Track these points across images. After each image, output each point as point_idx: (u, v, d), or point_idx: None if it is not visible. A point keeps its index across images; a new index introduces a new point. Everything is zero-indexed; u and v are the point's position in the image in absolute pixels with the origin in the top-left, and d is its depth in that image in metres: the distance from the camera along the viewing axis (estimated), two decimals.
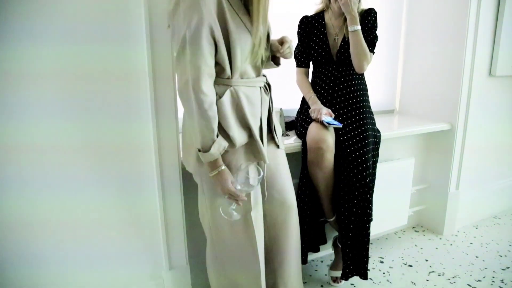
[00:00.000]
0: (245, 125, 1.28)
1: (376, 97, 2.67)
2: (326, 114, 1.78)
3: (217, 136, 1.21)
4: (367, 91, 2.00)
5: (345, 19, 1.85)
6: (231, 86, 1.24)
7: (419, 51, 2.61)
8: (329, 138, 1.72)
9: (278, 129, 1.50)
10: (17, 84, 1.24)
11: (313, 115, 1.79)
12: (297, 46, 1.99)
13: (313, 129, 1.75)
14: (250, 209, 1.33)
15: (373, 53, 1.92)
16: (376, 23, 1.90)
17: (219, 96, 1.21)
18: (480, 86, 2.47)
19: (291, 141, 1.89)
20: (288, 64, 2.14)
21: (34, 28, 1.23)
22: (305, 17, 1.98)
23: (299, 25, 1.98)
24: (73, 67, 1.31)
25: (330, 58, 1.92)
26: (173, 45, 1.22)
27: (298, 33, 1.98)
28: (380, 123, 2.31)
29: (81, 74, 1.33)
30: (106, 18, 1.32)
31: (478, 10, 2.30)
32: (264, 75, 1.38)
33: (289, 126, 2.10)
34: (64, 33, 1.28)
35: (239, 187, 1.26)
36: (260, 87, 1.34)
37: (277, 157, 1.47)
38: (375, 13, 1.90)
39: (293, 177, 1.83)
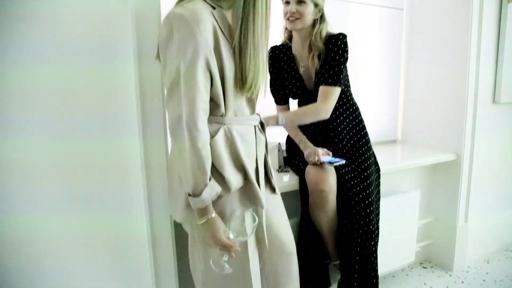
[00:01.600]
0: (240, 167, 1.17)
1: (377, 127, 2.58)
2: (324, 155, 1.66)
3: (210, 179, 1.08)
4: (362, 121, 1.86)
5: (310, 48, 1.70)
6: (224, 124, 1.13)
7: (421, 79, 2.54)
8: (331, 179, 1.61)
9: (273, 172, 1.38)
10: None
11: (310, 159, 1.65)
12: (270, 81, 1.82)
13: (312, 170, 1.64)
14: (248, 260, 1.20)
15: (339, 86, 1.67)
16: (343, 52, 1.66)
17: (211, 135, 1.10)
18: (484, 114, 2.38)
19: (291, 179, 1.77)
20: None
21: (16, 44, 1.16)
22: (273, 48, 1.82)
23: (268, 58, 1.83)
24: (57, 83, 1.23)
25: (308, 92, 1.78)
26: (163, 79, 1.11)
27: (269, 65, 1.78)
28: (383, 154, 2.22)
29: (66, 90, 1.25)
30: (92, 34, 1.25)
31: (479, 36, 2.24)
32: (258, 114, 1.28)
33: (287, 161, 1.98)
34: (48, 49, 1.21)
35: (232, 236, 1.13)
36: (255, 126, 1.24)
37: (274, 202, 1.35)
38: (343, 39, 1.66)
39: (293, 215, 1.71)
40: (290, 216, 1.48)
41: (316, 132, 1.79)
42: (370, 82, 2.53)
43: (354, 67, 2.37)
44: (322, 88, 1.67)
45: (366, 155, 1.76)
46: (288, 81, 1.78)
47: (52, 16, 1.20)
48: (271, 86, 1.81)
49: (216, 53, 1.05)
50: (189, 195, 1.08)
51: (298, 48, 1.76)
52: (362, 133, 1.82)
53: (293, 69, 1.77)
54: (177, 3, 1.10)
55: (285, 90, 1.81)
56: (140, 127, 1.36)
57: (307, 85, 1.77)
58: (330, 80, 1.65)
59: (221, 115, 1.13)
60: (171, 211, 1.27)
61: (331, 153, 1.69)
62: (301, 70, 1.76)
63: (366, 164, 1.72)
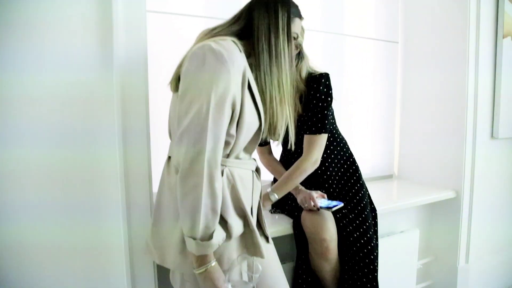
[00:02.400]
0: (241, 213, 1.09)
1: (373, 162, 2.50)
2: (318, 198, 1.54)
3: None
4: (351, 155, 1.74)
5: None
6: (226, 166, 1.07)
7: (417, 113, 2.48)
8: (331, 226, 1.50)
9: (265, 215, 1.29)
10: None
11: (306, 205, 1.53)
12: None
13: (309, 218, 1.52)
14: None
15: (324, 132, 1.55)
16: (327, 96, 1.54)
17: None
18: (483, 149, 2.31)
19: (284, 222, 1.66)
20: None
21: None
22: None
23: None
24: (38, 92, 1.21)
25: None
26: (179, 108, 1.01)
27: None
28: (379, 191, 2.14)
29: (45, 99, 1.22)
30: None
31: (477, 69, 2.19)
32: (253, 159, 1.21)
33: (278, 204, 1.83)
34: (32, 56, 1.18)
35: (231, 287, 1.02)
36: (252, 171, 1.17)
37: (268, 252, 1.24)
38: (325, 81, 1.53)
39: (287, 259, 1.59)
40: (284, 260, 1.37)
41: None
42: (365, 116, 2.47)
43: (349, 101, 2.33)
44: (307, 138, 1.56)
45: (360, 194, 1.66)
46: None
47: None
48: None
49: (242, 95, 1.02)
50: (194, 239, 0.97)
51: None
52: (353, 168, 1.72)
53: None
54: (206, 37, 1.09)
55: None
56: (119, 137, 1.31)
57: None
58: (314, 129, 1.55)
59: (225, 156, 1.07)
60: (157, 257, 1.13)
61: (325, 195, 1.59)
62: None
63: (362, 205, 1.62)
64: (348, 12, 2.30)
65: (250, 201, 1.13)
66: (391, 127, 2.58)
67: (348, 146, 1.76)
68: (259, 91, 1.09)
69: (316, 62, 1.64)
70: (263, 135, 1.14)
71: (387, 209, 1.90)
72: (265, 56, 1.08)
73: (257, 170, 1.22)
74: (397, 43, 2.51)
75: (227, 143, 1.04)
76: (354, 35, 2.33)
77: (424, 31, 2.40)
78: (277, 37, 1.09)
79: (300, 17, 1.23)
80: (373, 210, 1.70)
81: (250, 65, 1.10)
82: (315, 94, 1.53)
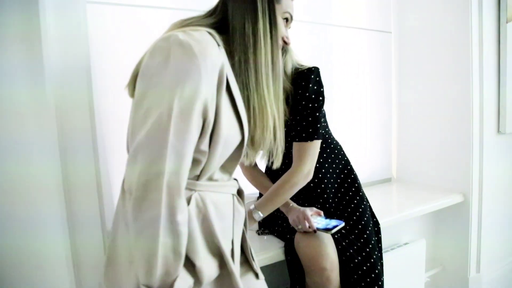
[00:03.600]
0: (215, 250, 0.87)
1: (369, 165, 2.27)
2: (314, 216, 1.30)
3: None
4: (348, 162, 1.49)
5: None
6: (195, 190, 0.85)
7: (416, 109, 2.26)
8: (331, 251, 1.25)
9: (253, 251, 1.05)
10: None
11: (299, 227, 1.27)
12: None
13: (304, 243, 1.25)
14: None
15: (317, 138, 1.30)
16: (318, 96, 1.29)
17: None
18: (491, 146, 2.09)
19: (273, 246, 1.40)
20: None
21: None
22: None
23: None
24: None
25: None
26: (135, 116, 0.80)
27: None
28: (378, 200, 1.93)
29: None
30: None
31: (481, 59, 1.98)
32: (235, 179, 0.99)
33: (265, 223, 1.54)
34: None
35: None
36: (233, 195, 0.96)
37: None
38: (316, 77, 1.28)
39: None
40: None
41: None
42: (358, 115, 2.23)
43: (339, 98, 2.09)
44: (296, 146, 1.31)
45: (361, 209, 1.42)
46: None
47: None
48: None
49: (218, 99, 0.82)
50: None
51: None
52: (351, 177, 1.48)
53: None
54: (176, 27, 0.89)
55: None
56: (56, 148, 1.18)
57: None
58: (304, 135, 1.29)
59: (194, 178, 0.85)
60: None
61: (322, 212, 1.34)
62: None
63: (363, 222, 1.38)
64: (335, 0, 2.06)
65: (230, 233, 0.92)
66: (387, 125, 2.35)
67: (343, 152, 1.51)
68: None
69: (301, 56, 1.39)
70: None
71: (388, 222, 1.67)
72: (240, 47, 0.88)
73: (240, 193, 1.01)
74: (390, 33, 2.29)
75: (196, 162, 0.83)
76: (343, 25, 2.09)
77: (420, 19, 2.18)
78: (255, 22, 0.89)
79: None
80: (376, 224, 1.46)
81: (233, 65, 0.90)
82: (304, 94, 1.28)
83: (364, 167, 2.21)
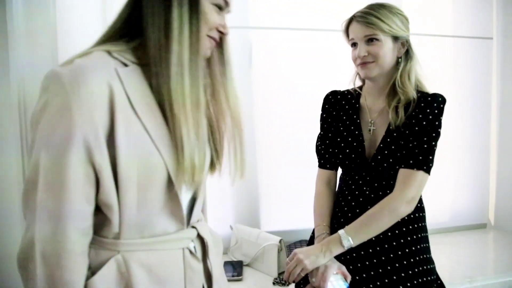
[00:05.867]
0: None
1: (456, 204, 1.93)
2: (334, 275, 1.08)
3: None
4: (424, 221, 1.24)
5: (391, 96, 1.19)
6: (118, 252, 0.73)
7: None
8: None
9: None
10: None
11: (313, 280, 1.08)
12: (319, 135, 1.34)
13: None
14: None
15: (427, 172, 1.14)
16: (437, 121, 1.15)
17: (91, 271, 0.72)
18: None
19: None
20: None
21: None
22: (333, 93, 1.32)
23: (323, 104, 1.33)
24: None
25: (362, 161, 1.21)
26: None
27: (321, 116, 1.33)
28: (465, 252, 1.61)
29: None
30: None
31: None
32: (193, 226, 0.83)
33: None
34: None
35: None
36: (184, 249, 0.80)
37: None
38: (439, 103, 1.15)
39: None
40: None
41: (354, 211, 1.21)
42: (448, 139, 1.86)
43: None
44: (403, 173, 1.15)
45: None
46: (343, 139, 1.26)
47: None
48: (318, 140, 1.33)
49: (110, 137, 0.69)
50: None
51: (370, 97, 1.26)
52: (419, 245, 1.18)
53: (355, 124, 1.25)
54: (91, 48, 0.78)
55: (335, 151, 1.28)
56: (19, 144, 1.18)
57: (366, 151, 1.22)
58: (412, 161, 1.13)
59: (114, 237, 0.74)
60: None
61: (349, 278, 1.09)
62: (367, 129, 1.24)
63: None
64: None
65: None
66: (484, 153, 1.99)
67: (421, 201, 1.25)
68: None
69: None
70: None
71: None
72: (152, 49, 0.73)
73: (203, 242, 0.86)
74: (491, 39, 1.92)
75: (105, 218, 0.73)
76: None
77: None
78: (168, 12, 0.71)
79: None
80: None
81: (156, 74, 0.75)
82: (426, 117, 1.15)
83: (449, 206, 1.92)
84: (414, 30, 1.71)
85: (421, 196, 1.21)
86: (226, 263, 1.45)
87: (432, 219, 1.82)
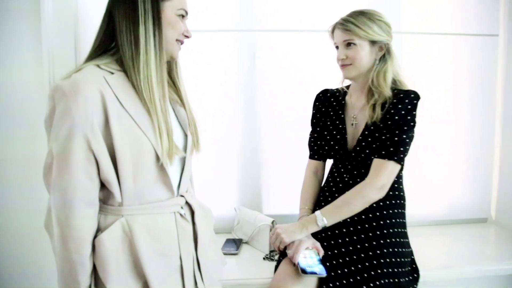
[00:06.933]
0: (140, 276, 0.94)
1: (457, 197, 1.90)
2: (308, 249, 1.20)
3: None
4: (403, 208, 1.33)
5: (370, 94, 1.29)
6: (122, 215, 0.93)
7: None
8: None
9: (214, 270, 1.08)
10: None
11: (289, 251, 1.21)
12: (312, 128, 1.49)
13: (280, 272, 1.22)
14: None
15: (398, 163, 1.24)
16: (409, 116, 1.24)
17: (101, 231, 0.92)
18: None
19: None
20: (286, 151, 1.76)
21: None
22: (324, 92, 1.48)
23: (314, 102, 1.50)
24: None
25: (344, 151, 1.35)
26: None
27: (312, 113, 1.49)
28: (465, 245, 1.58)
29: None
30: None
31: None
32: (182, 195, 1.01)
33: None
34: None
35: None
36: (175, 213, 0.99)
37: None
38: (412, 99, 1.24)
39: None
40: None
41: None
42: (450, 130, 1.89)
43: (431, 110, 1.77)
44: (376, 162, 1.25)
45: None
46: (329, 132, 1.40)
47: None
48: (310, 134, 1.48)
49: (106, 128, 0.89)
50: None
51: (355, 95, 1.39)
52: (395, 228, 1.29)
53: (340, 118, 1.39)
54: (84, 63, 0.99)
55: (323, 143, 1.42)
56: None
57: (348, 143, 1.35)
58: (384, 152, 1.23)
59: (118, 205, 0.94)
60: None
61: (321, 252, 1.22)
62: (351, 123, 1.36)
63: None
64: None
65: (175, 251, 0.98)
66: (488, 147, 1.94)
67: (401, 188, 1.36)
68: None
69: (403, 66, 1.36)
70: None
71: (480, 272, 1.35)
72: (127, 53, 0.92)
73: (190, 207, 1.04)
74: (497, 36, 1.87)
75: (108, 191, 0.93)
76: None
77: None
78: (136, 28, 0.91)
79: None
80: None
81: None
82: (399, 112, 1.24)
83: (450, 199, 1.90)
84: (415, 28, 1.79)
85: (402, 185, 1.33)
86: (229, 240, 1.62)
87: (431, 212, 1.87)
